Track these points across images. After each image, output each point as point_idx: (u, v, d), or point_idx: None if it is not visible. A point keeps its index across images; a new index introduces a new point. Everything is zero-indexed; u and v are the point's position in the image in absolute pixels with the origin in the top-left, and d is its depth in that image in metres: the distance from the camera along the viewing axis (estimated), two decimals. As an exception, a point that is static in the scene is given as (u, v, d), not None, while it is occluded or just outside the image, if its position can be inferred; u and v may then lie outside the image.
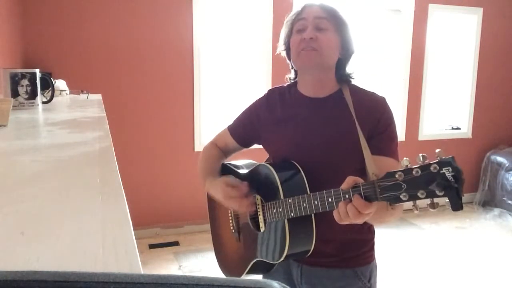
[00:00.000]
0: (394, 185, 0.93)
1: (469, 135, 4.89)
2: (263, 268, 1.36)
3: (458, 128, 4.90)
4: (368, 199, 0.99)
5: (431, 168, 0.88)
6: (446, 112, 4.91)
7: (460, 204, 0.87)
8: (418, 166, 0.91)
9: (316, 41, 1.23)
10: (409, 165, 0.93)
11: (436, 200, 0.91)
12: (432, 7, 4.47)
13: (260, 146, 1.45)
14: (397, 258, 3.56)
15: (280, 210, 1.21)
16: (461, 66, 4.83)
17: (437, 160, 0.89)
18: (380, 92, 1.37)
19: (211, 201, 1.54)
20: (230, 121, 1.53)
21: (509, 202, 4.51)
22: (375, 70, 4.44)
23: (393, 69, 4.54)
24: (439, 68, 4.72)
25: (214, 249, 1.59)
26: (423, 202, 0.94)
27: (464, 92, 4.86)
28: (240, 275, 1.43)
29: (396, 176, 0.93)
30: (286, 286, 0.35)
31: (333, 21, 1.26)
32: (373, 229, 1.38)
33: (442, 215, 4.54)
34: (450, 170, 0.87)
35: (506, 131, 5.05)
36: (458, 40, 4.78)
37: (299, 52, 1.26)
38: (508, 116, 5.05)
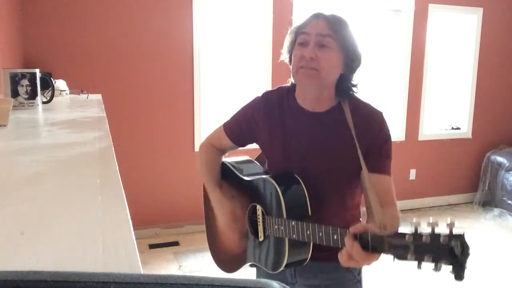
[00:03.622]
0: (403, 245, 0.95)
1: (469, 135, 4.89)
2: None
3: (458, 128, 4.90)
4: (374, 249, 1.01)
5: (441, 240, 0.91)
6: (446, 112, 4.91)
7: (463, 276, 0.91)
8: (428, 233, 0.92)
9: (316, 60, 1.20)
10: (418, 228, 0.94)
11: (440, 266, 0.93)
12: (432, 7, 4.47)
13: (257, 146, 1.45)
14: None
15: (282, 228, 1.23)
16: (461, 66, 4.82)
17: (448, 233, 0.91)
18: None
19: (207, 197, 1.56)
20: (225, 119, 1.51)
21: (509, 202, 4.51)
22: (375, 70, 4.44)
23: (393, 69, 4.53)
24: (439, 68, 4.72)
25: (208, 241, 1.61)
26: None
27: (464, 92, 4.86)
28: (234, 270, 1.47)
29: (406, 238, 0.94)
30: (286, 286, 0.35)
31: (337, 38, 1.21)
32: None
33: (442, 215, 4.53)
34: (459, 245, 0.89)
35: (506, 131, 5.05)
36: (458, 40, 4.78)
37: (298, 69, 1.24)
38: (508, 116, 5.05)
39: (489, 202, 4.77)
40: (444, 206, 4.78)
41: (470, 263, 0.91)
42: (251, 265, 1.43)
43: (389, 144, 1.28)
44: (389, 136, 1.29)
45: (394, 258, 0.98)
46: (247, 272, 1.49)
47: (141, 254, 3.45)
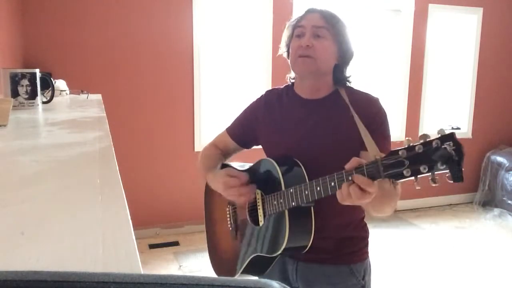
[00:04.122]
0: (397, 162, 0.95)
1: (469, 135, 4.89)
2: (259, 267, 1.37)
3: (458, 128, 4.90)
4: (371, 177, 1.01)
5: (433, 144, 0.91)
6: (446, 112, 4.91)
7: (461, 175, 0.90)
8: (420, 142, 0.93)
9: (312, 48, 1.27)
10: (411, 144, 0.94)
11: (437, 175, 0.93)
12: (432, 7, 4.47)
13: (259, 147, 1.46)
14: (397, 258, 3.56)
15: (281, 201, 1.23)
16: (461, 66, 4.82)
17: (438, 136, 0.91)
18: (380, 93, 1.40)
19: (208, 199, 1.55)
20: (229, 122, 1.54)
21: (509, 202, 4.51)
22: (375, 70, 4.44)
23: (393, 69, 4.54)
24: (439, 68, 4.72)
25: (209, 248, 1.60)
26: (425, 179, 0.96)
27: (464, 92, 4.86)
28: (234, 274, 1.43)
29: (399, 153, 0.95)
30: (286, 286, 0.35)
31: (331, 30, 1.30)
32: (367, 228, 1.42)
33: (442, 215, 4.54)
34: (451, 144, 0.89)
35: (506, 131, 5.05)
36: (458, 40, 4.78)
37: (296, 59, 1.31)
38: (508, 116, 5.05)
39: (489, 202, 4.77)
40: (444, 206, 4.78)
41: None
42: (244, 272, 1.41)
43: (386, 125, 1.32)
44: (386, 117, 1.32)
45: (391, 182, 0.98)
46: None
47: (141, 254, 3.45)
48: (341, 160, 1.28)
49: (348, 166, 1.05)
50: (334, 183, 1.08)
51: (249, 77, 4.08)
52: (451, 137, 0.89)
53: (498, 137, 4.99)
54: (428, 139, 0.92)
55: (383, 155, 0.99)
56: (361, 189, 1.01)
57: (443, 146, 0.89)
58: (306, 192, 1.16)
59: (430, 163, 0.91)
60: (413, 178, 0.95)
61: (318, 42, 1.28)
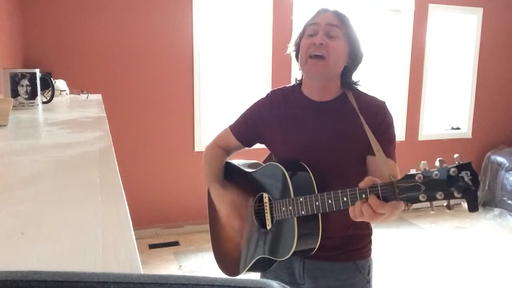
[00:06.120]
0: (413, 186, 0.96)
1: (469, 135, 4.89)
2: (264, 265, 1.38)
3: (458, 128, 4.90)
4: (385, 199, 1.02)
5: (451, 172, 0.92)
6: (446, 112, 4.91)
7: (477, 205, 0.92)
8: (437, 169, 0.94)
9: (325, 47, 1.25)
10: (427, 168, 0.95)
11: (452, 201, 0.95)
12: (432, 7, 4.47)
13: (262, 146, 1.46)
14: (397, 258, 3.56)
15: (290, 208, 1.23)
16: (461, 66, 4.83)
17: (456, 164, 0.92)
18: (380, 93, 1.40)
19: (212, 203, 1.55)
20: (230, 121, 1.53)
21: (509, 202, 4.51)
22: (375, 70, 4.44)
23: (393, 69, 4.54)
24: (439, 68, 4.72)
25: (213, 246, 1.60)
26: (439, 203, 0.98)
27: (464, 92, 4.86)
28: (240, 272, 1.44)
29: (416, 178, 0.96)
30: (286, 286, 0.35)
31: (344, 30, 1.28)
32: (371, 225, 1.43)
33: (442, 215, 4.53)
34: (469, 174, 0.91)
35: (506, 131, 5.05)
36: (458, 40, 4.78)
37: (306, 59, 1.28)
38: (508, 116, 5.05)
39: (489, 202, 4.77)
40: (444, 206, 4.78)
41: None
42: (249, 270, 1.42)
43: (393, 130, 1.33)
44: (393, 122, 1.34)
45: (406, 205, 0.99)
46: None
47: (141, 254, 3.45)
48: (346, 163, 1.29)
49: (362, 184, 1.06)
50: (347, 198, 1.10)
51: (249, 77, 4.08)
52: (468, 166, 0.91)
53: (498, 137, 4.99)
54: (444, 166, 0.93)
55: (398, 176, 1.00)
56: (373, 210, 1.03)
57: (460, 175, 0.91)
58: (317, 204, 1.17)
59: (447, 191, 0.93)
60: (427, 203, 0.96)
61: (331, 42, 1.26)
